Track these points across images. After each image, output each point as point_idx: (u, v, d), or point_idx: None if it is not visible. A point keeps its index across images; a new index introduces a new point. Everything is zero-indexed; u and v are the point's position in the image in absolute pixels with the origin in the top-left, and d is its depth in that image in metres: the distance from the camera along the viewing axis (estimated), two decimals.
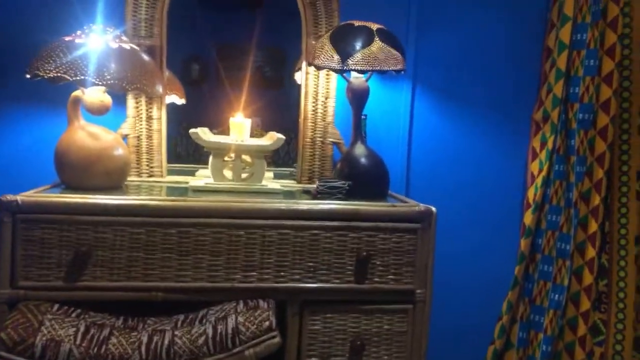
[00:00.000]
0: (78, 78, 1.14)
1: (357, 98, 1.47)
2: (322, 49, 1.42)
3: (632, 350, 2.13)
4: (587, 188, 1.71)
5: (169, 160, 1.57)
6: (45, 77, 1.15)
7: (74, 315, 1.13)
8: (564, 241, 1.71)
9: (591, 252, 1.69)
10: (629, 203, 2.11)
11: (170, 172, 1.56)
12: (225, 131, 1.48)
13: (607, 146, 1.69)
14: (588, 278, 1.69)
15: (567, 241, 1.71)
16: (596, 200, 1.69)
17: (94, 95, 1.28)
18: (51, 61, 1.15)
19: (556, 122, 1.73)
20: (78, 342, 1.06)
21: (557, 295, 1.70)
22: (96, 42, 1.22)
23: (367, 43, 1.38)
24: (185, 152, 1.63)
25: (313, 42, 1.55)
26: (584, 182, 1.70)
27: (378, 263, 1.26)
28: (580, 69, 1.71)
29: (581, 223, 1.71)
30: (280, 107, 1.71)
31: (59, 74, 1.15)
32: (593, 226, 1.69)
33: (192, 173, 1.56)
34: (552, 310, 1.70)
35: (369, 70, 1.40)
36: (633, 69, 2.08)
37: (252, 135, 1.44)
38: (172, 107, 1.57)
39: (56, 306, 1.13)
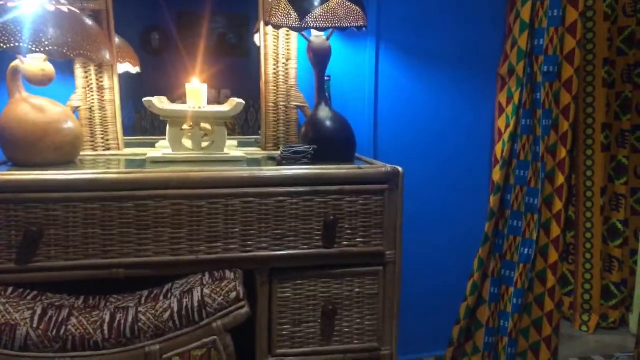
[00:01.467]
0: (12, 45, 1.05)
1: (319, 58, 1.42)
2: (279, 6, 1.35)
3: (600, 299, 2.21)
4: (554, 141, 1.71)
5: (134, 135, 1.50)
6: None
7: (29, 297, 1.07)
8: (531, 195, 1.73)
9: (558, 205, 1.71)
10: (594, 155, 2.15)
11: (131, 145, 1.49)
12: (184, 101, 1.41)
13: (572, 98, 1.69)
14: (556, 230, 1.71)
15: (535, 195, 1.72)
16: (562, 153, 1.70)
17: (34, 64, 1.19)
18: None
19: (522, 76, 1.71)
20: (35, 325, 1.01)
21: (526, 249, 1.72)
22: (30, 5, 1.12)
23: None
24: (150, 126, 1.56)
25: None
26: (550, 136, 1.71)
27: (346, 226, 1.24)
28: (545, 19, 1.68)
29: (548, 177, 1.72)
30: (247, 74, 1.64)
31: None
32: (560, 179, 1.70)
33: (153, 145, 1.49)
34: (522, 264, 1.73)
35: (328, 27, 1.34)
36: (596, 20, 2.08)
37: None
38: (133, 79, 1.49)
39: (10, 289, 1.07)
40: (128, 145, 1.49)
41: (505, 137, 1.74)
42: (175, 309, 1.07)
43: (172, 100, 1.40)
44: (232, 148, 1.47)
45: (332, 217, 1.21)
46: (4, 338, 0.99)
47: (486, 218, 1.76)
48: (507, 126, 1.74)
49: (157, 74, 1.58)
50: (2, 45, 1.05)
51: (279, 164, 1.31)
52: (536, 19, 1.69)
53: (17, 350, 1.00)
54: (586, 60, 2.10)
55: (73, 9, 1.19)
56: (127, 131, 1.50)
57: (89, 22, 1.23)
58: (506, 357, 1.75)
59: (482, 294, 1.79)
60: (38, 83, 1.21)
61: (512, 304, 1.73)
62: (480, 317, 1.80)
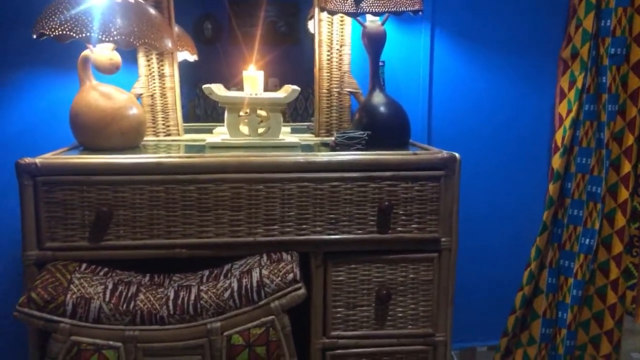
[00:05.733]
0: (84, 35, 1.11)
1: (374, 43, 1.41)
2: None
3: None
4: (620, 128, 1.63)
5: (188, 122, 1.55)
6: (51, 35, 1.12)
7: (101, 273, 1.14)
8: (594, 184, 1.65)
9: (624, 194, 1.63)
10: None
11: (188, 131, 1.55)
12: (240, 88, 1.45)
13: None
14: (620, 221, 1.63)
15: (598, 184, 1.64)
16: (629, 140, 1.62)
17: (103, 53, 1.25)
18: (55, 18, 1.12)
19: (586, 59, 1.63)
20: (107, 298, 1.08)
21: (587, 240, 1.66)
22: None
23: None
24: (203, 113, 1.61)
25: None
26: (617, 122, 1.62)
27: (401, 212, 1.23)
28: None
29: (613, 164, 1.64)
30: (296, 62, 1.66)
31: (64, 32, 1.12)
32: (626, 167, 1.62)
33: (210, 131, 1.54)
34: (582, 254, 1.66)
35: (384, 12, 1.33)
36: None
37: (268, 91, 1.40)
38: (187, 67, 1.54)
39: (84, 265, 1.15)
40: (187, 131, 1.54)
41: (567, 123, 1.67)
42: (235, 288, 1.11)
43: (227, 87, 1.43)
44: (286, 134, 1.50)
45: (386, 203, 1.21)
46: (79, 310, 1.06)
47: (544, 206, 1.71)
48: (569, 112, 1.67)
49: (209, 62, 1.61)
50: (74, 35, 1.12)
51: (333, 149, 1.32)
52: None
53: (91, 322, 1.06)
54: None
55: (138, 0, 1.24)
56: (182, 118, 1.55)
57: (152, 11, 1.28)
58: (564, 349, 1.69)
59: (539, 283, 1.74)
60: (106, 71, 1.27)
61: (571, 295, 1.68)
62: (537, 307, 1.75)
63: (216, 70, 1.61)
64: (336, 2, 1.34)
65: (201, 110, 1.62)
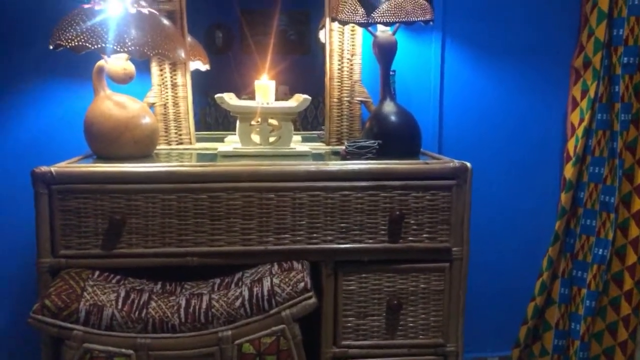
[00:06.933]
0: (99, 46, 1.13)
1: (385, 53, 1.42)
2: (345, 2, 1.36)
3: None
4: (634, 137, 1.62)
5: (199, 130, 1.56)
6: (68, 46, 1.14)
7: (114, 281, 1.15)
8: (607, 194, 1.64)
9: (638, 204, 1.61)
10: None
11: (200, 140, 1.56)
12: (252, 97, 1.46)
13: None
14: (635, 231, 1.62)
15: (611, 193, 1.63)
16: None
17: (117, 63, 1.27)
18: (72, 30, 1.14)
19: (598, 68, 1.62)
20: (120, 306, 1.09)
21: (601, 250, 1.64)
22: (115, 7, 1.20)
23: None
24: (214, 121, 1.62)
25: None
26: (630, 131, 1.61)
27: (412, 222, 1.23)
28: (624, 8, 1.58)
29: (626, 174, 1.63)
30: (307, 71, 1.67)
31: (80, 43, 1.14)
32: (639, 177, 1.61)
33: (221, 140, 1.55)
34: (596, 265, 1.65)
35: (395, 22, 1.33)
36: None
37: (279, 100, 1.41)
38: (198, 76, 1.56)
39: (97, 273, 1.16)
40: (198, 139, 1.56)
41: (579, 132, 1.66)
42: (246, 297, 1.11)
43: (239, 96, 1.44)
44: (297, 143, 1.50)
45: (397, 212, 1.21)
46: (92, 318, 1.07)
47: (557, 216, 1.69)
48: (581, 121, 1.66)
49: (220, 70, 1.62)
50: (90, 46, 1.13)
51: (344, 158, 1.32)
52: (615, 7, 1.60)
53: (104, 330, 1.07)
54: None
55: (152, 10, 1.26)
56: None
57: (166, 22, 1.29)
58: None
59: (551, 294, 1.72)
60: (120, 81, 1.29)
61: (584, 306, 1.66)
62: (549, 318, 1.73)
63: (227, 79, 1.62)
64: (347, 12, 1.35)
65: (212, 118, 1.63)
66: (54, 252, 1.15)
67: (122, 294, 1.11)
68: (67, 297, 1.08)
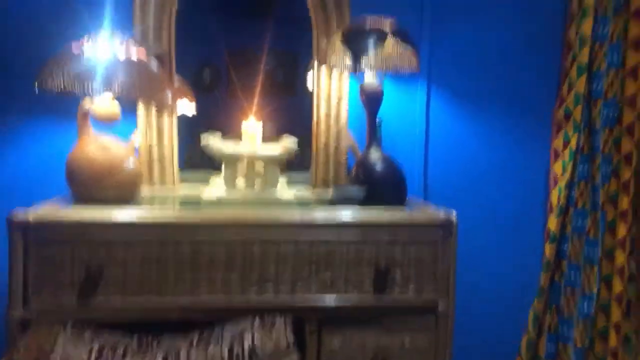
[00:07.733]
0: (86, 93, 1.11)
1: (371, 101, 1.42)
2: (334, 48, 1.37)
3: None
4: (615, 190, 1.64)
5: (183, 167, 1.54)
6: (54, 91, 1.13)
7: (87, 335, 1.10)
8: (591, 246, 1.65)
9: (621, 258, 1.61)
10: None
11: (185, 180, 1.53)
12: (238, 137, 1.45)
13: (635, 144, 1.61)
14: (618, 286, 1.61)
15: (594, 246, 1.63)
16: (624, 202, 1.62)
17: (103, 104, 1.26)
18: (59, 74, 1.12)
19: (579, 121, 1.66)
20: None
21: (586, 305, 1.63)
22: (104, 50, 1.19)
23: (380, 42, 1.32)
24: (200, 159, 1.60)
25: (325, 40, 1.50)
26: (611, 183, 1.63)
27: (397, 274, 1.22)
28: (604, 63, 1.63)
29: (609, 227, 1.64)
30: (293, 112, 1.67)
31: (67, 88, 1.12)
32: (622, 230, 1.61)
33: (206, 181, 1.52)
34: (581, 320, 1.63)
35: (382, 71, 1.35)
36: None
37: (265, 141, 1.40)
38: (185, 114, 1.54)
39: (69, 327, 1.10)
40: (183, 179, 1.53)
41: (562, 183, 1.68)
42: (226, 357, 1.07)
43: (225, 134, 1.43)
44: (283, 186, 1.49)
45: (383, 266, 1.20)
46: None
47: (541, 268, 1.69)
48: (564, 172, 1.68)
49: (207, 108, 1.61)
50: (77, 93, 1.12)
51: (330, 204, 1.31)
52: (595, 62, 1.65)
53: None
54: None
55: (141, 57, 1.25)
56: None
57: (153, 68, 1.28)
58: None
59: (538, 352, 1.69)
60: (106, 121, 1.27)
61: None
62: None
63: (214, 118, 1.61)
64: (336, 58, 1.36)
65: (197, 156, 1.60)
66: (25, 303, 1.10)
67: (95, 351, 1.06)
68: (38, 352, 1.02)
